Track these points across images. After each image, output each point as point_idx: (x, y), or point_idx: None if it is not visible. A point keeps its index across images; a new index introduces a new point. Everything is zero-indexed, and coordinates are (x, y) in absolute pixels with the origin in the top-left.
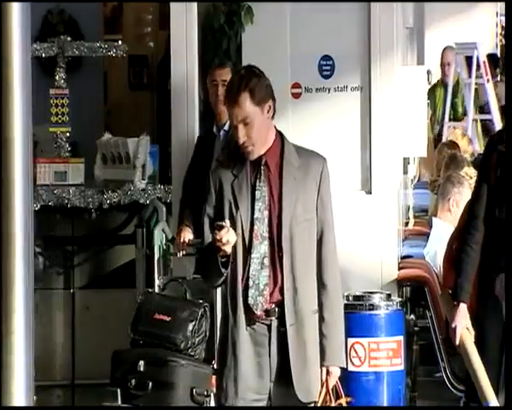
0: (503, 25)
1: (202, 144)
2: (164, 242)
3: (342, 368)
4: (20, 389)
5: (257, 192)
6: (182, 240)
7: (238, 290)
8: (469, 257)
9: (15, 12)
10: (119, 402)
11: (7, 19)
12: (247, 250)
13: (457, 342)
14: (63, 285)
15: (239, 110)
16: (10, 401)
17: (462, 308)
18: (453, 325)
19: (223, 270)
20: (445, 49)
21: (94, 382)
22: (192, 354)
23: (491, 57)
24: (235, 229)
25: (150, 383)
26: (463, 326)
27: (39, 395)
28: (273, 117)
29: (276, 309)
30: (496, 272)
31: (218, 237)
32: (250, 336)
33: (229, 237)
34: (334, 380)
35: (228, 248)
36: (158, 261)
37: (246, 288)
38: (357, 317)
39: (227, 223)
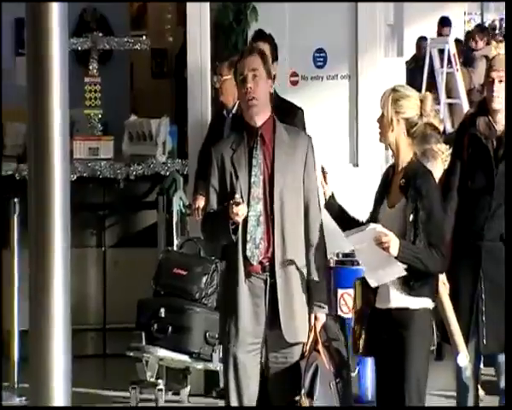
0: (470, 22)
1: (214, 125)
2: (181, 207)
3: (331, 314)
4: (59, 335)
5: (253, 160)
6: (196, 206)
7: (238, 245)
8: (446, 222)
9: (55, 11)
10: (144, 343)
11: (47, 17)
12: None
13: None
14: (96, 244)
15: (251, 60)
16: (51, 341)
17: None
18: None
19: (233, 236)
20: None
21: (122, 326)
22: (205, 302)
23: (458, 42)
24: (235, 196)
25: (170, 328)
26: (440, 280)
27: (75, 337)
28: (270, 94)
29: (269, 263)
30: (469, 236)
31: (234, 211)
32: (249, 289)
33: (244, 211)
34: (320, 324)
35: (239, 219)
36: (176, 224)
37: (244, 242)
38: (346, 271)
39: (241, 199)
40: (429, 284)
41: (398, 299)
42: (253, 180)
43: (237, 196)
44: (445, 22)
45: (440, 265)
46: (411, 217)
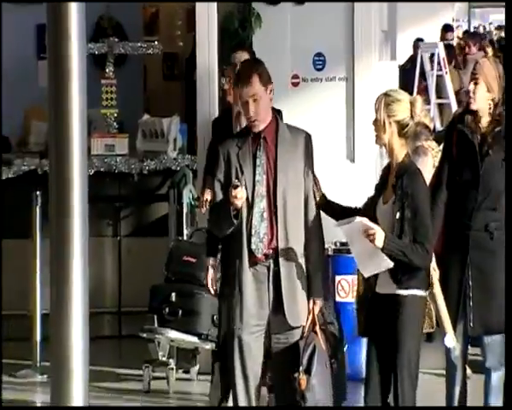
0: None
1: (218, 123)
2: (191, 200)
3: (327, 299)
4: (77, 317)
5: (257, 160)
6: (204, 199)
7: (243, 239)
8: (435, 213)
9: (73, 18)
10: (156, 325)
11: (67, 24)
12: (250, 206)
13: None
14: (112, 233)
15: (250, 88)
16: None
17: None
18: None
19: (234, 221)
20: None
21: (136, 309)
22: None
23: (448, 47)
24: (233, 180)
25: (180, 311)
26: (432, 266)
27: (92, 319)
28: (271, 100)
29: (272, 253)
30: (457, 226)
31: (233, 194)
32: (253, 275)
33: (242, 194)
34: (317, 308)
35: (239, 203)
36: (186, 215)
37: (249, 236)
38: (343, 259)
39: (240, 182)
40: (417, 278)
41: (393, 288)
42: (257, 179)
43: (235, 180)
44: (448, 28)
45: (424, 260)
46: (398, 215)
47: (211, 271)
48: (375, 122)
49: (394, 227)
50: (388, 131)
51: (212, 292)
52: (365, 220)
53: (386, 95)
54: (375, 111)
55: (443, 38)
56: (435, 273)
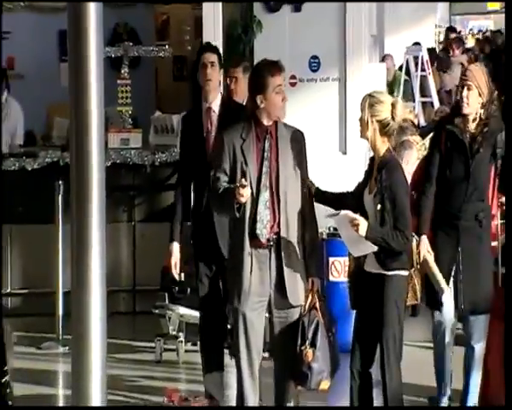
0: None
1: (188, 119)
2: None
3: (322, 278)
4: (96, 295)
5: (265, 153)
6: (173, 266)
7: (246, 225)
8: (426, 204)
9: (92, 25)
10: (167, 302)
11: (86, 30)
12: (256, 196)
13: (421, 259)
14: (127, 219)
15: (281, 78)
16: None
17: (424, 238)
18: (419, 250)
19: (237, 214)
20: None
21: (148, 288)
22: None
23: (431, 51)
24: (241, 180)
25: (188, 289)
26: (426, 249)
27: (109, 297)
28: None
29: (275, 238)
30: (448, 216)
31: (240, 192)
32: (255, 257)
33: (247, 193)
34: (316, 287)
35: (243, 200)
36: None
37: (254, 223)
38: (336, 242)
39: (245, 175)
40: (399, 260)
41: (378, 267)
42: (264, 171)
43: (243, 180)
44: (452, 29)
45: (403, 246)
46: (379, 206)
47: (174, 256)
48: (360, 120)
49: (376, 217)
50: (371, 128)
51: (176, 277)
52: (349, 213)
53: (370, 96)
54: (360, 110)
55: (447, 38)
56: (430, 255)
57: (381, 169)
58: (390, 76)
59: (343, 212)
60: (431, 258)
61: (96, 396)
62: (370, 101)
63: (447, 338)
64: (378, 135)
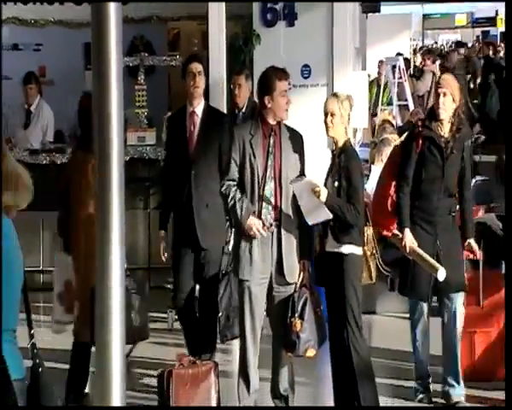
0: (414, 46)
1: (173, 120)
2: None
3: (312, 260)
4: (116, 271)
5: (270, 148)
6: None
7: (256, 211)
8: (405, 202)
9: (113, 38)
10: None
11: (108, 43)
12: (262, 187)
13: (408, 250)
14: (143, 207)
15: (286, 83)
16: (109, 276)
17: (407, 231)
18: (405, 242)
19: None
20: (380, 63)
21: (162, 266)
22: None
23: (405, 60)
24: (253, 170)
25: None
26: (411, 241)
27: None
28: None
29: (276, 223)
30: (425, 213)
31: (255, 230)
32: (259, 239)
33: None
34: (307, 268)
35: (252, 234)
36: None
37: (260, 209)
38: None
39: (252, 165)
40: (351, 235)
41: (336, 246)
42: (269, 163)
43: (265, 228)
44: (460, 44)
45: (355, 218)
46: (336, 183)
47: (163, 242)
48: (329, 119)
49: (334, 193)
50: (339, 122)
51: (164, 260)
52: (313, 180)
53: (336, 95)
54: (329, 110)
55: (457, 51)
56: (415, 244)
57: (340, 154)
58: (381, 80)
59: (306, 178)
60: (417, 247)
61: (116, 374)
62: (341, 98)
63: (425, 317)
64: (342, 128)
